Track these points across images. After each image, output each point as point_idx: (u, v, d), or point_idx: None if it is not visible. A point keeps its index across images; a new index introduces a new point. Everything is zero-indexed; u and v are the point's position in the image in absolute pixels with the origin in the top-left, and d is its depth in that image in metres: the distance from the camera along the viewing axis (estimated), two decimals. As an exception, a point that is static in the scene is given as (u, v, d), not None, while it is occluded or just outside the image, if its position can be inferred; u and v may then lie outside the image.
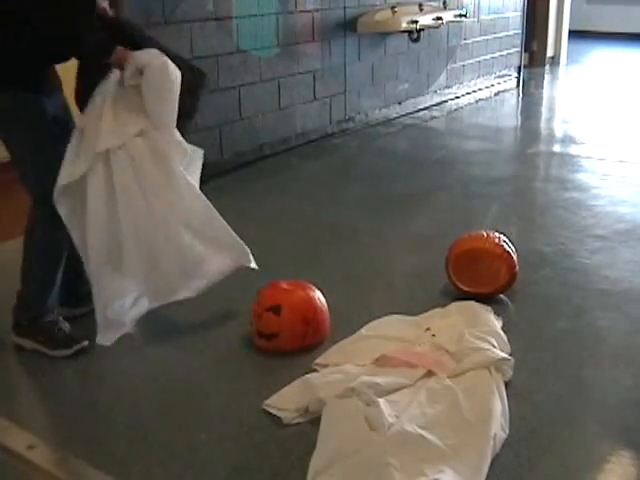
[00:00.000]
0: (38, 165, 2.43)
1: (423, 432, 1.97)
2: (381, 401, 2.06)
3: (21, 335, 2.54)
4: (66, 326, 2.55)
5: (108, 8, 2.49)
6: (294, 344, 2.46)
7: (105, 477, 1.91)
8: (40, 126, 2.38)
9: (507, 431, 2.04)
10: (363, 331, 2.56)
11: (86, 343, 2.51)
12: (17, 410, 2.28)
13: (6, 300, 2.94)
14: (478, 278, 2.83)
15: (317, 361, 2.39)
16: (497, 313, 2.67)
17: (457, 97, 6.90)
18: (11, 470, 1.97)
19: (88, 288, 2.73)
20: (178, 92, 2.38)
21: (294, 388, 2.23)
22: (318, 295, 2.56)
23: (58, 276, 2.56)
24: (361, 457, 1.88)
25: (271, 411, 2.15)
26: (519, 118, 6.87)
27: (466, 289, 2.83)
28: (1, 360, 2.56)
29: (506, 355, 2.32)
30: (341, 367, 2.31)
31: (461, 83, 6.99)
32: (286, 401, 2.17)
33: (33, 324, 2.52)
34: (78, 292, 2.71)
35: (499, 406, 2.10)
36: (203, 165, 4.54)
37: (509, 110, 7.13)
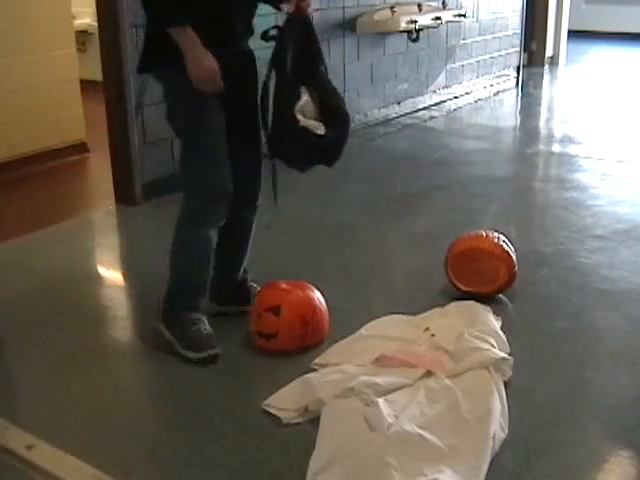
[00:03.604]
0: (194, 155, 2.35)
1: (422, 432, 1.97)
2: (380, 401, 2.06)
3: (164, 323, 2.50)
4: (205, 328, 2.45)
5: None
6: (293, 344, 2.46)
7: (105, 477, 1.91)
8: (201, 113, 2.30)
9: (506, 431, 2.04)
10: (362, 331, 2.56)
11: (218, 351, 2.41)
12: (17, 410, 2.28)
13: (6, 299, 2.95)
14: (477, 278, 2.83)
15: (316, 361, 2.39)
16: (496, 313, 2.67)
17: (456, 97, 6.89)
18: (10, 470, 1.97)
19: (231, 289, 2.69)
20: None
21: (293, 388, 2.23)
22: (317, 295, 2.56)
23: (201, 278, 2.48)
24: (360, 457, 1.89)
25: (270, 411, 2.15)
26: (518, 118, 6.87)
27: (465, 289, 2.84)
28: (1, 360, 2.56)
29: (505, 355, 2.33)
30: (340, 367, 2.31)
31: (460, 83, 6.99)
32: (285, 401, 2.18)
33: (175, 316, 2.48)
34: (221, 291, 2.68)
35: (498, 406, 2.10)
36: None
37: (508, 110, 7.13)
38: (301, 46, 2.41)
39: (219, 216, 2.38)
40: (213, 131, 2.31)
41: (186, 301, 2.49)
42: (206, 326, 2.47)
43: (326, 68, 2.50)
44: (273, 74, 2.36)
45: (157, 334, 2.51)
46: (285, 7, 2.44)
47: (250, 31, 2.43)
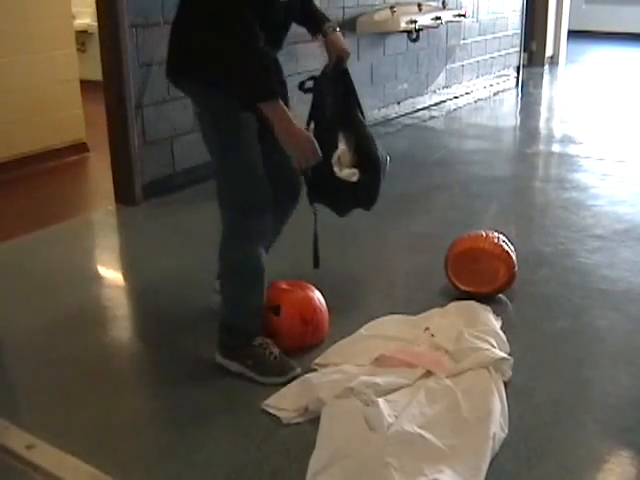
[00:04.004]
0: (237, 171, 2.26)
1: (422, 432, 1.97)
2: (380, 401, 2.06)
3: (227, 357, 2.37)
4: (277, 349, 2.35)
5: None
6: (293, 344, 2.46)
7: (105, 477, 1.91)
8: (239, 130, 2.21)
9: (506, 431, 2.04)
10: (362, 331, 2.56)
11: (299, 371, 2.31)
12: (17, 410, 2.28)
13: (6, 299, 2.95)
14: (477, 278, 2.83)
15: (317, 361, 2.39)
16: (496, 313, 2.67)
17: (456, 97, 6.89)
18: (10, 470, 1.97)
19: None
20: None
21: (293, 388, 2.23)
22: (318, 295, 2.57)
23: (257, 299, 2.36)
24: (360, 457, 1.89)
25: (270, 411, 2.15)
26: (518, 118, 6.87)
27: (465, 289, 2.83)
28: (1, 360, 2.56)
29: (505, 355, 2.33)
30: (340, 367, 2.31)
31: (460, 83, 6.99)
32: (285, 401, 2.18)
33: (244, 346, 2.34)
34: None
35: (498, 406, 2.10)
36: (203, 165, 4.51)
37: (508, 110, 7.13)
38: (339, 94, 2.46)
39: (265, 228, 2.33)
40: (252, 145, 2.25)
41: (248, 326, 2.38)
42: (275, 347, 2.36)
43: (362, 113, 2.56)
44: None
45: (219, 368, 2.39)
46: (319, 42, 2.49)
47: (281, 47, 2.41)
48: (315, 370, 2.35)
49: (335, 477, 1.83)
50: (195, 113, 2.33)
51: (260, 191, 2.26)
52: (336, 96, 2.46)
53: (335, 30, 2.47)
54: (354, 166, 2.49)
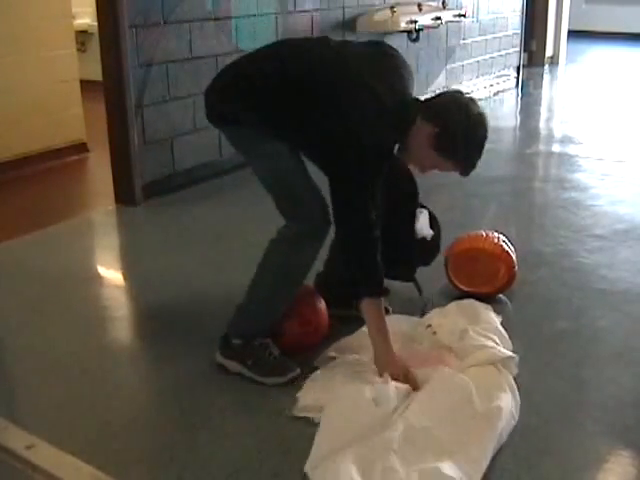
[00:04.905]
0: (299, 193, 2.32)
1: (428, 424, 1.97)
2: (392, 384, 2.09)
3: (227, 356, 2.37)
4: (276, 350, 2.35)
5: None
6: (294, 343, 2.46)
7: (105, 477, 1.91)
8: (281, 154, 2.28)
9: (517, 418, 2.07)
10: (364, 329, 2.55)
11: (298, 371, 2.32)
12: (17, 410, 2.28)
13: (6, 299, 2.96)
14: (477, 278, 2.83)
15: (328, 354, 2.40)
16: (496, 313, 2.67)
17: (456, 97, 6.89)
18: (10, 470, 1.97)
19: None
20: None
21: (311, 389, 2.23)
22: (318, 295, 2.56)
23: (284, 306, 2.38)
24: (363, 446, 1.89)
25: (301, 415, 2.13)
26: (518, 118, 6.87)
27: (465, 289, 2.84)
28: (1, 360, 2.56)
29: (510, 353, 2.32)
30: (355, 356, 2.35)
31: (460, 83, 6.99)
32: (312, 404, 2.15)
33: (244, 345, 2.35)
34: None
35: (508, 403, 2.09)
36: (203, 165, 4.50)
37: (508, 110, 7.13)
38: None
39: (324, 240, 2.33)
40: (304, 167, 2.33)
41: (262, 327, 2.38)
42: (276, 348, 2.36)
43: None
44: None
45: (219, 367, 2.39)
46: None
47: None
48: (317, 368, 2.35)
49: (337, 465, 1.83)
50: (244, 151, 2.39)
51: (325, 202, 2.29)
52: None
53: None
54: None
